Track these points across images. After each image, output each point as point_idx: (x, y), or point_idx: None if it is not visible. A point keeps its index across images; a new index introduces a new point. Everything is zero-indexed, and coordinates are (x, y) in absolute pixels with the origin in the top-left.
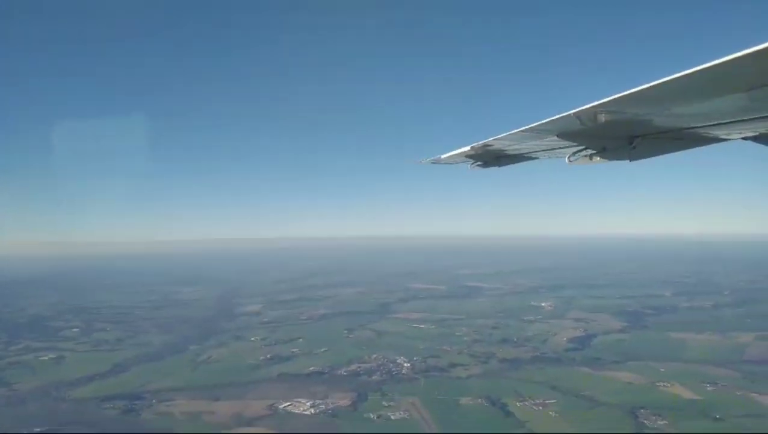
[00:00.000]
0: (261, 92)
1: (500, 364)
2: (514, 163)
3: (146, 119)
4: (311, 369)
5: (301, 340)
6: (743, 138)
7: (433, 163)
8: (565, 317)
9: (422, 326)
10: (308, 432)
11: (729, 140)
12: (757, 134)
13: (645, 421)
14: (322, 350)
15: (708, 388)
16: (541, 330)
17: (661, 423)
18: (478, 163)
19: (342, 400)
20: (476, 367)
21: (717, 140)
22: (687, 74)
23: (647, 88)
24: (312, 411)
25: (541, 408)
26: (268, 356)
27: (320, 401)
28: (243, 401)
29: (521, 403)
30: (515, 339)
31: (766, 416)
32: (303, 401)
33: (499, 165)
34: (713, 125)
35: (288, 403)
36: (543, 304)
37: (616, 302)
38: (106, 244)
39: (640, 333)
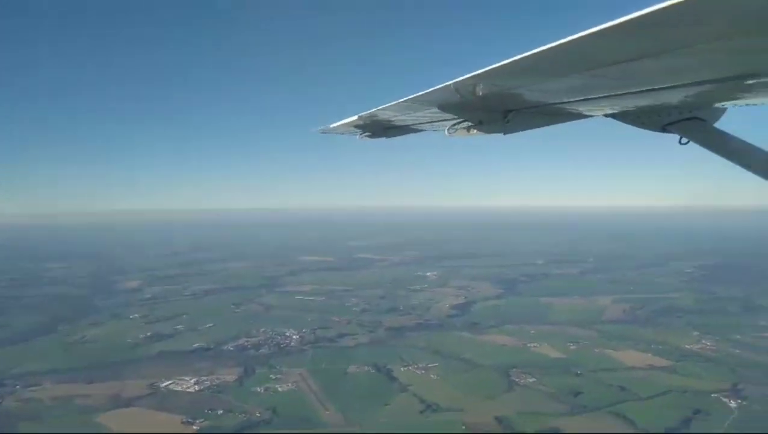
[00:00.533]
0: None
1: (387, 332)
2: (401, 134)
3: None
4: (196, 345)
5: (185, 316)
6: (605, 115)
7: (322, 132)
8: (449, 286)
9: (312, 298)
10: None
11: (593, 116)
12: (617, 111)
13: (516, 379)
14: (208, 326)
15: (571, 347)
16: (425, 298)
17: (531, 380)
18: (367, 133)
19: (228, 375)
20: (364, 336)
21: (582, 115)
22: (551, 48)
23: (516, 61)
24: (196, 388)
25: (423, 371)
26: (149, 334)
27: (205, 377)
28: (120, 382)
29: (405, 368)
30: (401, 308)
31: (617, 370)
32: (186, 378)
33: (387, 136)
34: (579, 101)
35: (170, 381)
36: (428, 274)
37: (495, 271)
38: None
39: (514, 299)
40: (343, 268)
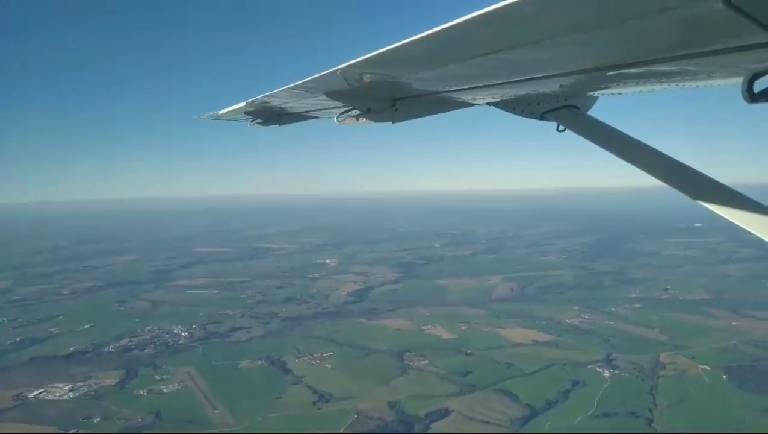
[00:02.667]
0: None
1: (282, 323)
2: (294, 121)
3: None
4: (72, 349)
5: (61, 318)
6: (488, 103)
7: (211, 119)
8: (347, 272)
9: (204, 292)
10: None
11: (477, 104)
12: (499, 99)
13: (410, 363)
14: (87, 327)
15: (462, 327)
16: (324, 286)
17: (423, 362)
18: (258, 120)
19: (108, 379)
20: (258, 329)
21: (467, 104)
22: (430, 35)
23: (398, 48)
24: (71, 395)
25: (318, 362)
26: (18, 339)
27: (81, 383)
28: None
29: (300, 359)
30: (299, 297)
31: (504, 347)
32: (60, 385)
33: (281, 123)
34: (462, 90)
35: (40, 390)
36: (327, 261)
37: (393, 255)
38: None
39: (411, 282)
40: (239, 258)
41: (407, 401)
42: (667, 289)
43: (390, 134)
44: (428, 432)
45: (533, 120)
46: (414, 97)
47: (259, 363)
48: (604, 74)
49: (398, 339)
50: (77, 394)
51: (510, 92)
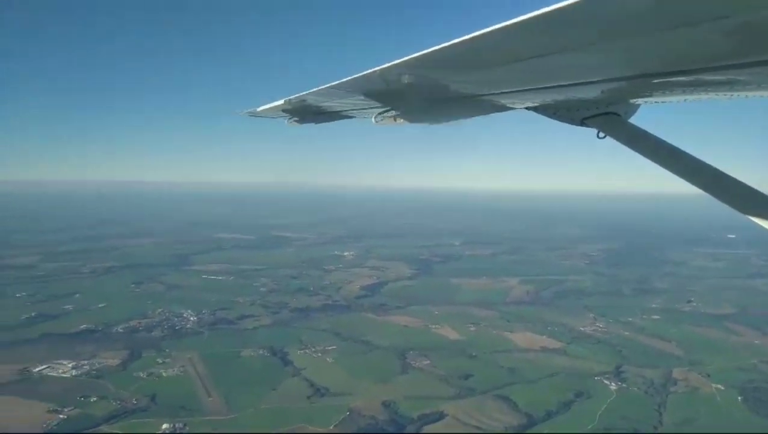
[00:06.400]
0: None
1: (291, 314)
2: (331, 120)
3: None
4: (82, 327)
5: (77, 296)
6: (527, 108)
7: (250, 115)
8: (363, 266)
9: (219, 278)
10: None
11: (514, 108)
12: (538, 104)
13: (411, 362)
14: (100, 306)
15: (471, 328)
16: (338, 278)
17: (425, 363)
18: (295, 118)
19: (111, 359)
20: (266, 318)
21: (504, 108)
22: (471, 39)
23: (438, 51)
24: (73, 373)
25: (320, 354)
26: (33, 314)
27: (85, 362)
28: None
29: (302, 351)
30: (311, 288)
31: (511, 352)
32: (64, 362)
33: (316, 122)
34: (501, 94)
35: (45, 366)
36: (345, 253)
37: (411, 251)
38: None
39: (425, 280)
40: (258, 246)
41: (402, 401)
42: (690, 301)
43: (417, 130)
44: (424, 431)
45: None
46: (452, 99)
47: (261, 352)
48: (649, 82)
49: (404, 337)
50: (79, 372)
51: (550, 97)
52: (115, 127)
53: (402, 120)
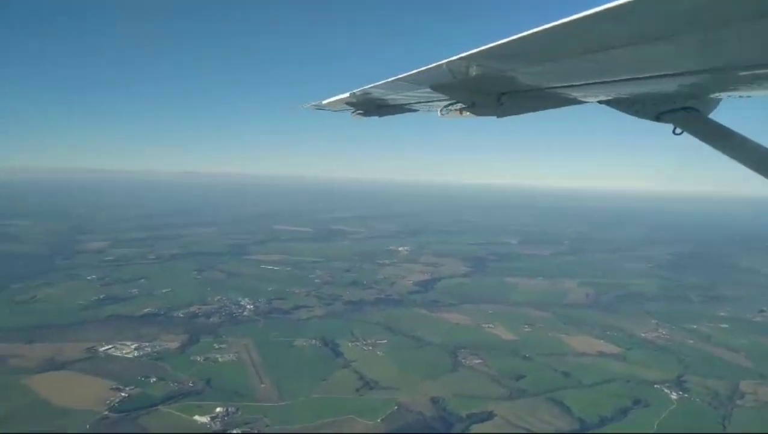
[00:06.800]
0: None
1: (344, 306)
2: (395, 113)
3: None
4: (146, 310)
5: (143, 280)
6: (599, 101)
7: (315, 108)
8: (417, 262)
9: (276, 268)
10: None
11: (587, 102)
12: (612, 98)
13: (462, 360)
14: (164, 291)
15: (525, 329)
16: (391, 273)
17: (477, 361)
18: (359, 111)
19: (171, 343)
20: (320, 309)
21: (576, 101)
22: (543, 30)
23: (509, 43)
24: (135, 353)
25: (370, 348)
26: (102, 297)
27: (147, 343)
28: (60, 344)
29: (353, 343)
30: (365, 282)
31: (566, 355)
32: (128, 343)
33: (380, 115)
34: (573, 86)
35: (110, 346)
36: (400, 248)
37: (467, 248)
38: None
39: (480, 278)
40: (315, 239)
41: (452, 398)
42: (762, 311)
43: (478, 124)
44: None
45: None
46: (521, 92)
47: (314, 342)
48: (732, 75)
49: (455, 335)
50: (141, 353)
51: (624, 90)
52: (189, 121)
53: (468, 113)
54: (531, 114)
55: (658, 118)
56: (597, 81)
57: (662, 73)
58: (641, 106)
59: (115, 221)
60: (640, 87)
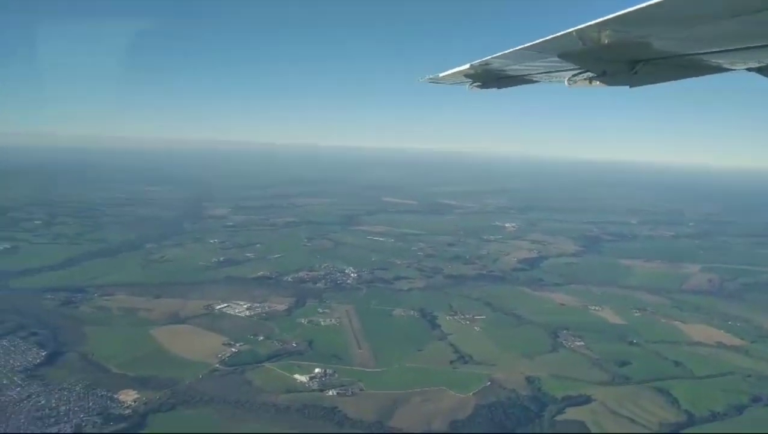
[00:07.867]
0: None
1: (445, 280)
2: (514, 85)
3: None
4: (260, 273)
5: (258, 245)
6: (748, 69)
7: (431, 82)
8: (524, 239)
9: (381, 239)
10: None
11: (733, 70)
12: (762, 64)
13: (563, 341)
14: (276, 256)
15: (635, 314)
16: (496, 249)
17: (578, 343)
18: (477, 83)
19: (279, 305)
20: (420, 281)
21: (720, 69)
22: None
23: (648, 6)
24: (247, 313)
25: (468, 322)
26: (221, 259)
27: (258, 304)
28: (182, 300)
29: (451, 317)
30: (467, 257)
31: (679, 343)
32: (241, 303)
33: (499, 87)
34: (717, 52)
35: (225, 305)
36: (507, 225)
37: (580, 227)
38: (90, 138)
39: (591, 258)
40: (421, 211)
41: (548, 379)
42: None
43: (599, 95)
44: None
45: None
46: (659, 59)
47: (412, 313)
48: None
49: (558, 315)
50: (252, 313)
51: None
52: (310, 98)
53: (598, 82)
54: (666, 83)
55: None
56: (749, 45)
57: None
58: None
59: (236, 189)
60: None
